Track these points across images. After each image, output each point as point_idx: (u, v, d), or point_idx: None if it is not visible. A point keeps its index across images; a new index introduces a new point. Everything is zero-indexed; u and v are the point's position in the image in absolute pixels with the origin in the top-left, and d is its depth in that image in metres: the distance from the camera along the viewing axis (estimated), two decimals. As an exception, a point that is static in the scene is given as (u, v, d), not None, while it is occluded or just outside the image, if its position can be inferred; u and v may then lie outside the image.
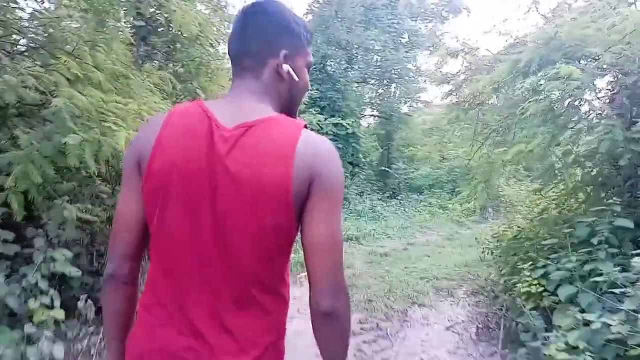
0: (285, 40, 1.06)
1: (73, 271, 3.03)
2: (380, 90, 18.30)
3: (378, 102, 18.60)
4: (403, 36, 17.24)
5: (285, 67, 1.05)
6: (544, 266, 3.35)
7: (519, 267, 3.62)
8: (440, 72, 6.43)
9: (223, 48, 5.61)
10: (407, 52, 16.78)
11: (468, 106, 4.90)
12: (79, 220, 3.03)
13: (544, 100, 2.98)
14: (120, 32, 3.81)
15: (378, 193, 15.64)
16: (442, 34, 18.60)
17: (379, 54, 16.39)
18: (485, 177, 4.92)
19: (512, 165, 4.82)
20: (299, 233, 0.99)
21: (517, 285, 3.42)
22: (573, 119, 3.01)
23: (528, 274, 3.38)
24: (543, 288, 3.25)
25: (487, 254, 7.30)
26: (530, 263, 3.45)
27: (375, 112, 19.24)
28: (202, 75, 5.19)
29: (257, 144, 0.94)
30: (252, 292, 0.96)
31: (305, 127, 1.00)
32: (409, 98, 19.26)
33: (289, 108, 1.10)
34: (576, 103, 2.92)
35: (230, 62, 1.10)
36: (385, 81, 17.99)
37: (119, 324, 1.09)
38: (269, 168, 0.91)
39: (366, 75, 16.84)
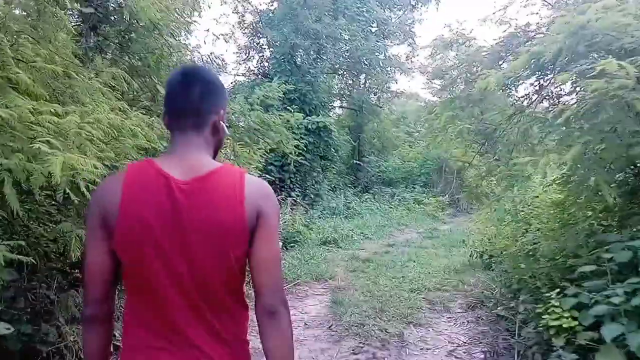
0: (221, 100, 1.31)
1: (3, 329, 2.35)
2: (349, 81, 17.76)
3: (347, 93, 18.07)
4: (372, 25, 16.70)
5: (222, 124, 1.30)
6: (575, 295, 2.88)
7: (541, 293, 3.15)
8: (423, 63, 5.89)
9: (186, 37, 5.12)
10: (377, 41, 16.26)
11: (466, 104, 4.38)
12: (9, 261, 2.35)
13: (584, 102, 2.48)
14: (63, 20, 3.08)
15: (351, 188, 15.17)
16: (413, 22, 18.15)
17: (348, 44, 15.81)
18: (504, 190, 4.40)
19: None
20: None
21: (544, 317, 2.94)
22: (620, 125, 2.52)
23: (557, 304, 2.90)
24: (577, 322, 2.78)
25: (475, 257, 6.93)
26: (557, 291, 2.98)
27: (345, 104, 18.74)
28: (163, 69, 4.49)
29: (212, 192, 1.16)
30: (224, 303, 1.20)
31: (245, 173, 1.23)
32: (378, 89, 18.86)
33: (216, 152, 1.33)
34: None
35: (168, 115, 1.27)
36: (354, 72, 17.48)
37: (100, 357, 1.26)
38: (225, 211, 1.15)
39: (336, 66, 16.24)
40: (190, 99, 1.24)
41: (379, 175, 16.94)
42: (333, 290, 5.69)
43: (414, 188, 15.93)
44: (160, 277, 1.14)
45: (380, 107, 18.46)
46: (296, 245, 7.88)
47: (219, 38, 12.54)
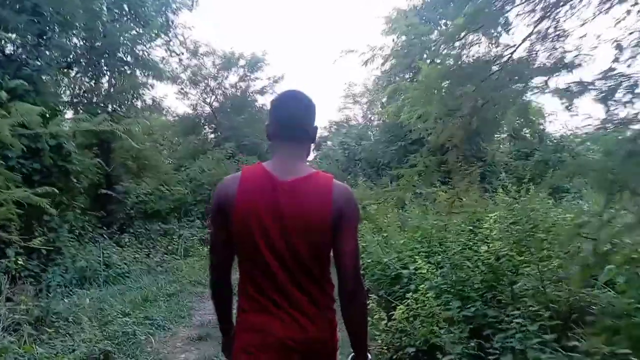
0: (314, 117, 1.73)
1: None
2: (90, 83, 13.19)
3: (89, 97, 13.40)
4: (123, 13, 12.73)
5: (316, 132, 1.75)
6: None
7: None
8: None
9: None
10: (127, 32, 12.38)
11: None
12: None
13: None
14: None
15: (102, 229, 10.87)
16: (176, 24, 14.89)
17: (87, 32, 11.52)
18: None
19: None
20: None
21: None
22: None
23: None
24: None
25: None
26: None
27: (85, 114, 13.98)
28: None
29: (307, 192, 1.56)
30: (316, 278, 1.59)
31: (334, 178, 1.63)
32: (128, 96, 14.73)
33: (306, 158, 1.73)
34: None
35: (274, 128, 1.69)
36: (96, 71, 13.06)
37: (227, 311, 1.80)
38: (315, 208, 1.55)
39: (70, 61, 11.65)
40: (294, 115, 1.67)
41: (140, 208, 12.93)
42: None
43: (191, 222, 12.55)
44: (266, 253, 1.53)
45: (134, 119, 14.40)
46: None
47: None
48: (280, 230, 1.52)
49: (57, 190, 7.19)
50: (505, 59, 2.07)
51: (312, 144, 1.77)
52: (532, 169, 10.73)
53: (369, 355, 1.72)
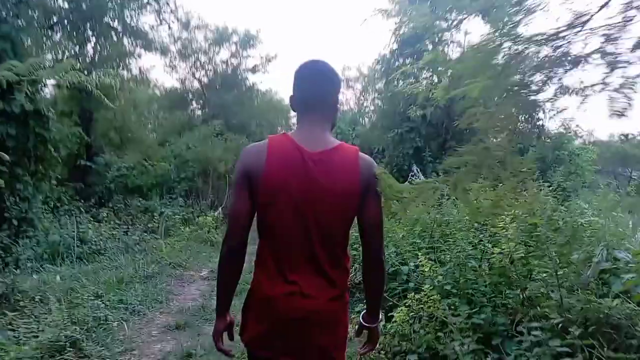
0: (339, 87, 1.77)
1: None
2: (74, 48, 12.53)
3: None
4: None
5: (339, 105, 1.78)
6: None
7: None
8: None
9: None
10: (116, 0, 11.75)
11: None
12: None
13: None
14: None
15: (80, 202, 10.38)
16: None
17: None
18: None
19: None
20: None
21: None
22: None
23: None
24: None
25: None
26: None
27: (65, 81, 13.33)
28: None
29: (334, 163, 1.59)
30: (339, 246, 1.64)
31: (359, 150, 1.67)
32: (114, 64, 14.08)
33: (331, 129, 1.74)
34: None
35: (299, 100, 1.70)
36: (80, 34, 12.41)
37: (231, 289, 1.72)
38: (344, 178, 1.58)
39: (52, 22, 11.00)
40: (319, 88, 1.67)
41: (120, 182, 12.41)
42: None
43: (173, 199, 12.07)
44: (291, 224, 1.56)
45: (119, 89, 13.79)
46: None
47: None
48: (310, 201, 1.55)
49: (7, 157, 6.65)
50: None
51: (335, 117, 1.77)
52: (530, 165, 10.42)
53: (381, 314, 1.82)
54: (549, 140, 11.40)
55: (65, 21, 11.69)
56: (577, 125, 13.22)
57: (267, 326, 1.61)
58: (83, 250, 7.35)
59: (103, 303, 4.90)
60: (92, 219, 9.23)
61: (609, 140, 22.89)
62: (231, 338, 1.83)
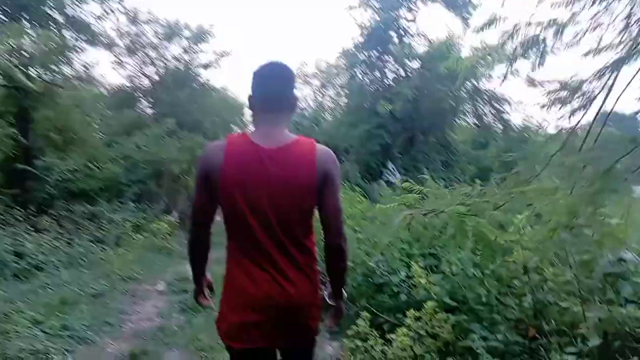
0: (294, 85, 1.81)
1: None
2: (7, 43, 11.32)
3: (3, 59, 11.52)
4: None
5: (297, 102, 1.83)
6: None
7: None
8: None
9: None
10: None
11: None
12: None
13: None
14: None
15: (16, 210, 9.33)
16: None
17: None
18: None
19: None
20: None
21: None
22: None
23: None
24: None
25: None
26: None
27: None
28: None
29: (291, 157, 1.65)
30: (300, 240, 1.70)
31: (316, 142, 1.73)
32: (53, 59, 12.91)
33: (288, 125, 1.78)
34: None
35: (256, 99, 1.76)
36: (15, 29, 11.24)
37: (202, 265, 1.88)
38: (301, 171, 1.64)
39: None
40: (278, 88, 1.73)
41: (64, 186, 11.35)
42: None
43: (123, 204, 11.15)
44: (251, 219, 1.62)
45: (61, 87, 12.68)
46: None
47: None
48: (268, 196, 1.62)
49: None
50: None
51: (293, 112, 1.84)
52: (494, 158, 10.26)
53: (344, 292, 1.90)
54: (514, 134, 11.31)
55: (0, 12, 10.55)
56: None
57: (244, 316, 1.68)
58: (20, 265, 6.47)
59: (43, 332, 4.16)
60: (31, 229, 8.28)
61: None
62: (211, 290, 2.01)
